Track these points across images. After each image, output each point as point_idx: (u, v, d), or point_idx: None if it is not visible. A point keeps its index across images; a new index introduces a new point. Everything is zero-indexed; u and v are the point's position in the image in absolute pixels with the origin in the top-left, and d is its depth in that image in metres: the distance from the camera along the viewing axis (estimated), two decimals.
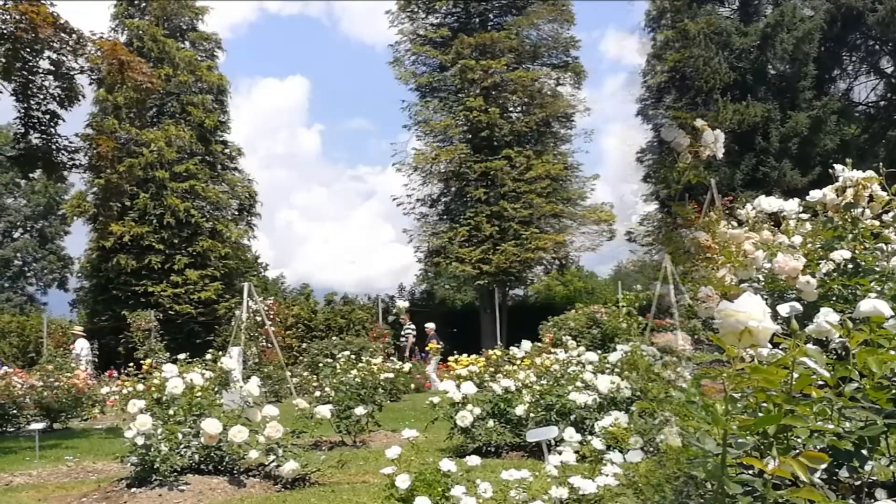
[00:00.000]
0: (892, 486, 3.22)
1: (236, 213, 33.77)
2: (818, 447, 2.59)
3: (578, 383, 8.22)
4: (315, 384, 15.18)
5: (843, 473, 3.05)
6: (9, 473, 8.79)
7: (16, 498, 7.15)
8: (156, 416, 6.95)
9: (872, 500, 3.02)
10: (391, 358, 20.19)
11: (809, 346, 2.79)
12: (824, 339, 3.37)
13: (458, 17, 36.67)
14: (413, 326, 22.54)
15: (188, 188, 30.65)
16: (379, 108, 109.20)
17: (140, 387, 8.66)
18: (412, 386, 19.50)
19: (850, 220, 4.56)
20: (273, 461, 7.21)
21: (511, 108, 35.66)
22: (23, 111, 15.70)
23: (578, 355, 9.50)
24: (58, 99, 15.65)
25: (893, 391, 2.89)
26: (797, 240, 4.72)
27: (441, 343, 21.35)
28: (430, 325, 22.08)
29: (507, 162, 33.69)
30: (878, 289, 4.14)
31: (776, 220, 5.13)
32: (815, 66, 33.13)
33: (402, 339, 22.73)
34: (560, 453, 4.80)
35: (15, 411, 13.92)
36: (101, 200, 25.70)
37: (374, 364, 11.94)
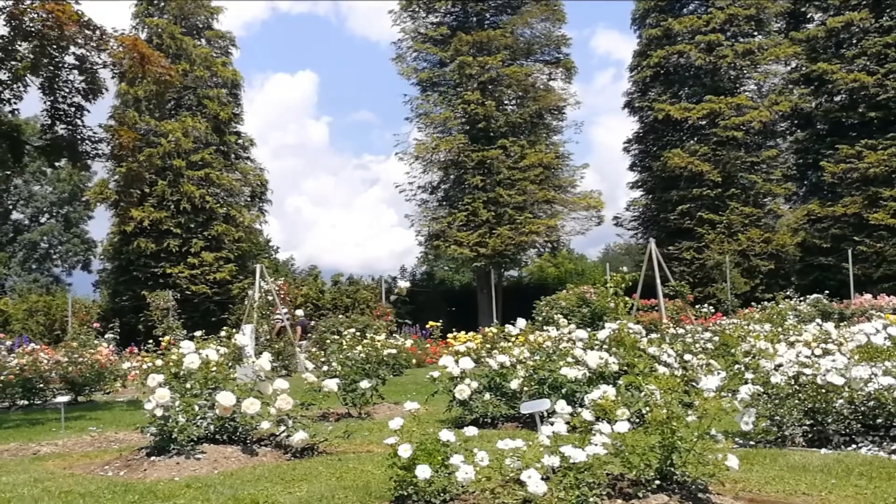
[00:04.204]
0: None
1: (249, 199, 33.66)
2: None
3: (569, 359, 8.22)
4: (322, 359, 15.19)
5: None
6: (36, 443, 8.79)
7: (43, 466, 7.15)
8: (174, 389, 6.93)
9: None
10: (393, 335, 20.19)
11: None
12: None
13: (456, 16, 36.48)
14: (285, 312, 19.87)
15: (203, 176, 30.56)
16: (383, 102, 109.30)
17: (159, 362, 8.66)
18: (413, 361, 19.52)
19: None
20: (283, 431, 7.19)
21: (506, 102, 35.54)
22: (49, 104, 15.58)
23: (569, 333, 9.50)
24: (82, 92, 15.51)
25: None
26: None
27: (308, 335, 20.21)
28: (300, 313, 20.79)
29: (502, 151, 33.63)
30: None
31: None
32: None
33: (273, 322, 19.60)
34: (552, 424, 4.79)
35: (42, 385, 13.87)
36: (123, 187, 25.55)
37: (378, 340, 11.92)
